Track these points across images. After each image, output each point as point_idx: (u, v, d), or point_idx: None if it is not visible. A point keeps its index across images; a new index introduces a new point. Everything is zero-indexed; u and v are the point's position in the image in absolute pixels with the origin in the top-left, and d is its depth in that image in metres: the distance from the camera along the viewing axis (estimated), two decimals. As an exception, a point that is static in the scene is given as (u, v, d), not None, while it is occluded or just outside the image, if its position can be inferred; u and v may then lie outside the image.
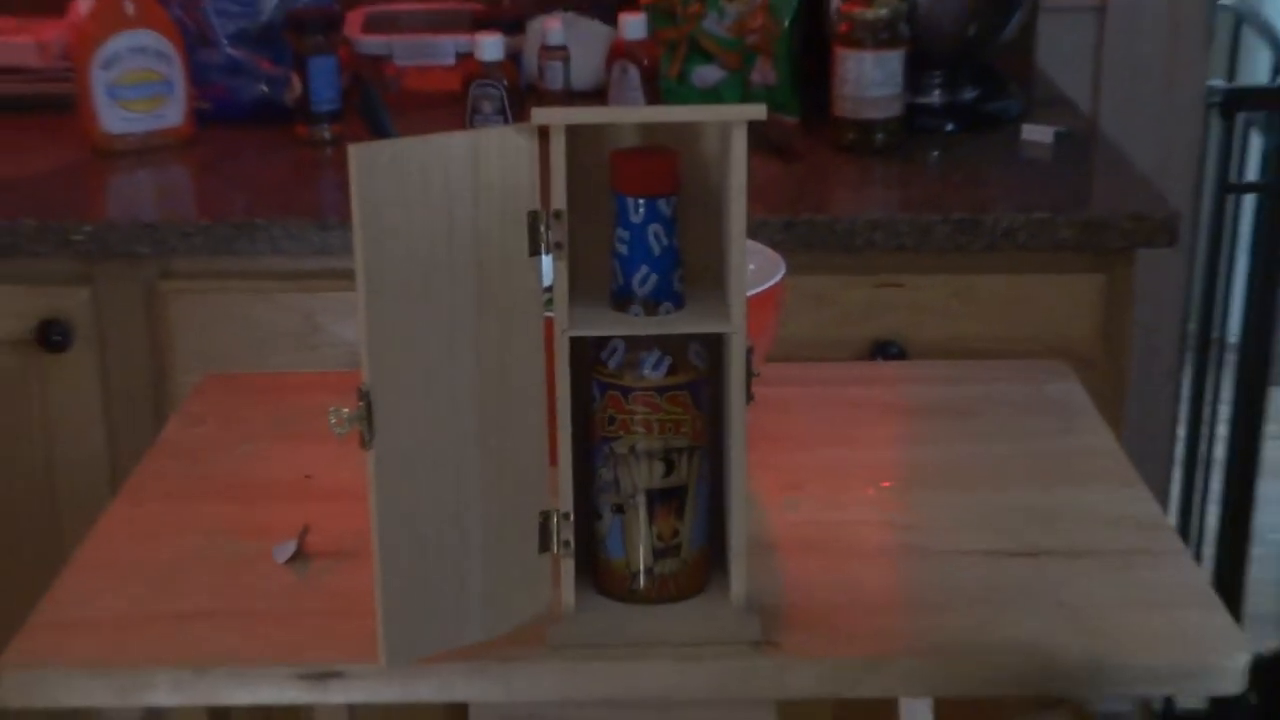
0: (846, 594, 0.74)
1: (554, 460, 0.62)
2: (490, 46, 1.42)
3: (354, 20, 1.68)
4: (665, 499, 0.63)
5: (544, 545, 0.64)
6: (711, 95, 1.57)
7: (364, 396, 0.59)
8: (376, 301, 0.59)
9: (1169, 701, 1.96)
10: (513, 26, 1.58)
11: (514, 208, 0.60)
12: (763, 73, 1.61)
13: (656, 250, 0.61)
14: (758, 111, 0.59)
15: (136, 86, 1.47)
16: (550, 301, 0.62)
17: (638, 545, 0.63)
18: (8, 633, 0.73)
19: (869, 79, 1.43)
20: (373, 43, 1.69)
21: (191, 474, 0.93)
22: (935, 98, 1.57)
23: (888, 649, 0.69)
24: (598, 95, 1.55)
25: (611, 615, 0.64)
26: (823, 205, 1.40)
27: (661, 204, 0.60)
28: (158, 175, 1.51)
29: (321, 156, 1.52)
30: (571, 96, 1.53)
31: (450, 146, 0.60)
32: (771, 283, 0.82)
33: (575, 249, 0.60)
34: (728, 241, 0.59)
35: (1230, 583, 1.75)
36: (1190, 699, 1.96)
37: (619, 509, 0.64)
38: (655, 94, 1.50)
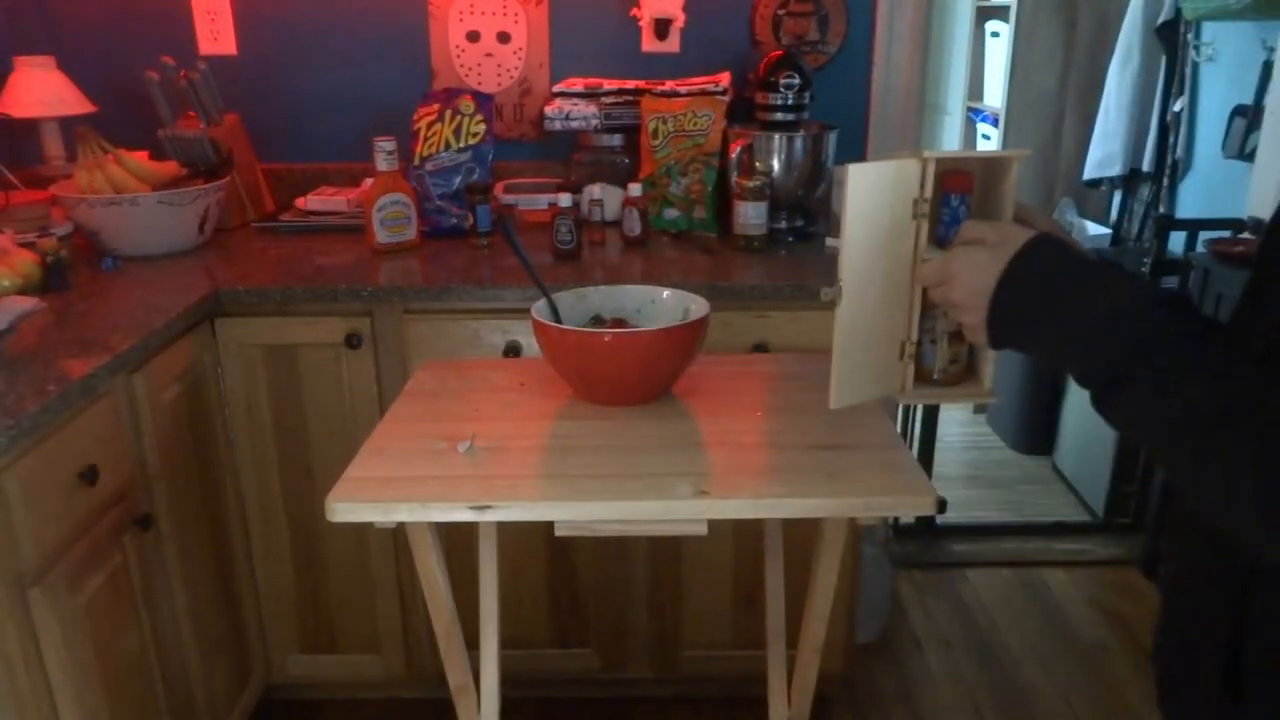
0: (743, 465, 1.08)
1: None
2: (564, 199, 1.97)
3: (499, 186, 2.30)
4: (954, 339, 1.03)
5: (900, 355, 1.03)
6: (671, 224, 2.16)
7: (838, 285, 0.96)
8: (852, 237, 0.95)
9: (896, 520, 2.69)
10: (576, 189, 2.14)
11: (907, 196, 0.96)
12: (699, 212, 2.17)
13: (961, 218, 0.96)
14: (1023, 153, 0.97)
15: (393, 220, 2.03)
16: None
17: (943, 356, 1.04)
18: (327, 488, 1.06)
19: (751, 215, 2.02)
20: (507, 198, 2.29)
21: (417, 409, 1.24)
22: (782, 224, 2.13)
23: (763, 492, 1.02)
24: (617, 224, 2.11)
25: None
26: (727, 277, 1.86)
27: (963, 198, 0.97)
28: (403, 263, 1.97)
29: (481, 255, 2.02)
30: (605, 225, 2.10)
31: (887, 169, 0.94)
32: (704, 314, 1.22)
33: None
34: (1007, 205, 0.94)
35: (924, 460, 2.57)
36: (906, 519, 2.73)
37: (933, 341, 1.05)
38: (645, 222, 2.05)
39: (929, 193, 0.96)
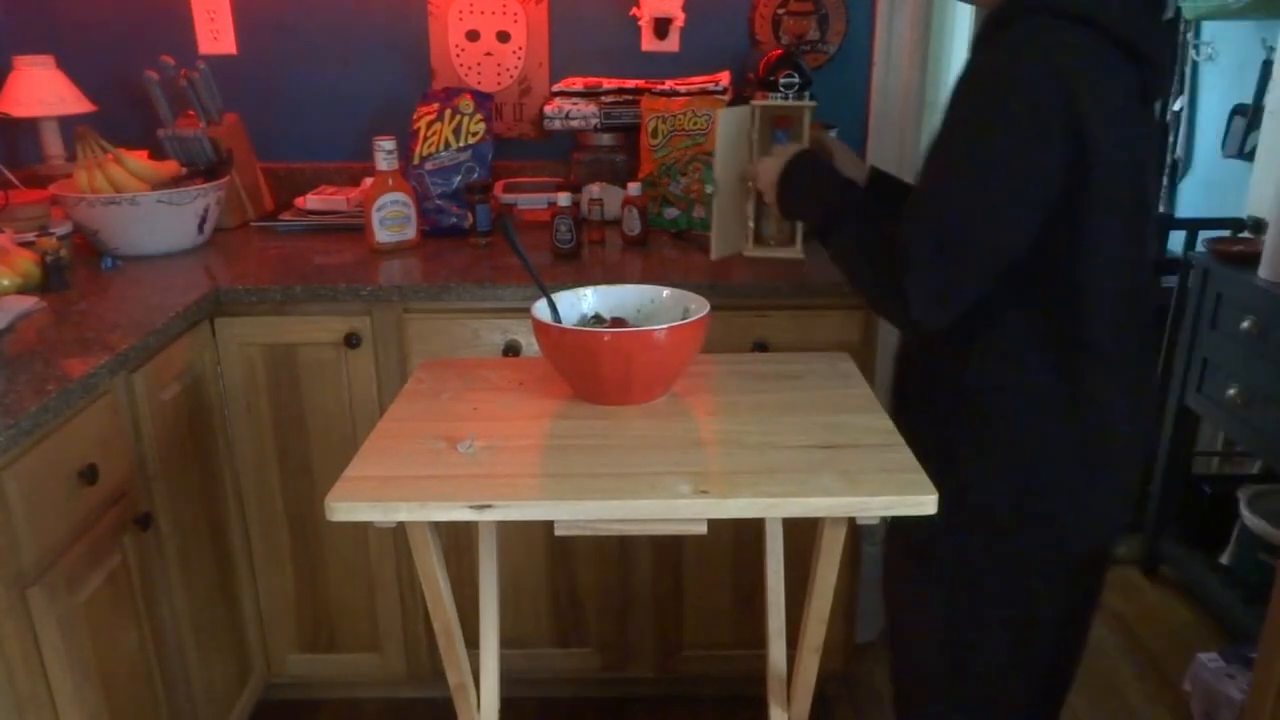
0: (743, 464, 1.07)
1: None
2: (564, 199, 1.96)
3: (499, 186, 2.31)
4: (779, 216, 1.61)
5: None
6: (671, 224, 2.16)
7: (714, 183, 1.67)
8: (720, 156, 1.67)
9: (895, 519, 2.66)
10: (575, 189, 2.14)
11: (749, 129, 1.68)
12: (699, 212, 2.16)
13: (784, 142, 1.60)
14: (811, 105, 1.71)
15: (392, 219, 2.03)
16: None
17: (770, 226, 1.69)
18: (327, 486, 1.05)
19: (750, 214, 1.93)
20: (507, 197, 2.29)
21: (417, 409, 1.24)
22: (782, 223, 2.12)
23: (763, 492, 1.02)
24: (617, 224, 2.10)
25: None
26: (727, 277, 1.86)
27: (785, 131, 1.63)
28: (402, 263, 1.98)
29: (481, 254, 2.01)
30: (604, 224, 2.09)
31: (735, 113, 1.68)
32: (704, 314, 1.22)
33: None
34: (805, 134, 1.63)
35: None
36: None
37: (765, 216, 1.77)
38: (645, 222, 2.04)
39: (757, 128, 1.68)
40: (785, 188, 1.37)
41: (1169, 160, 3.10)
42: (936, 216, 1.12)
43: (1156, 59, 1.15)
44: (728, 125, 1.61)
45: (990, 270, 1.13)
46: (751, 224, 1.74)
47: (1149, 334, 1.27)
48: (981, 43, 1.17)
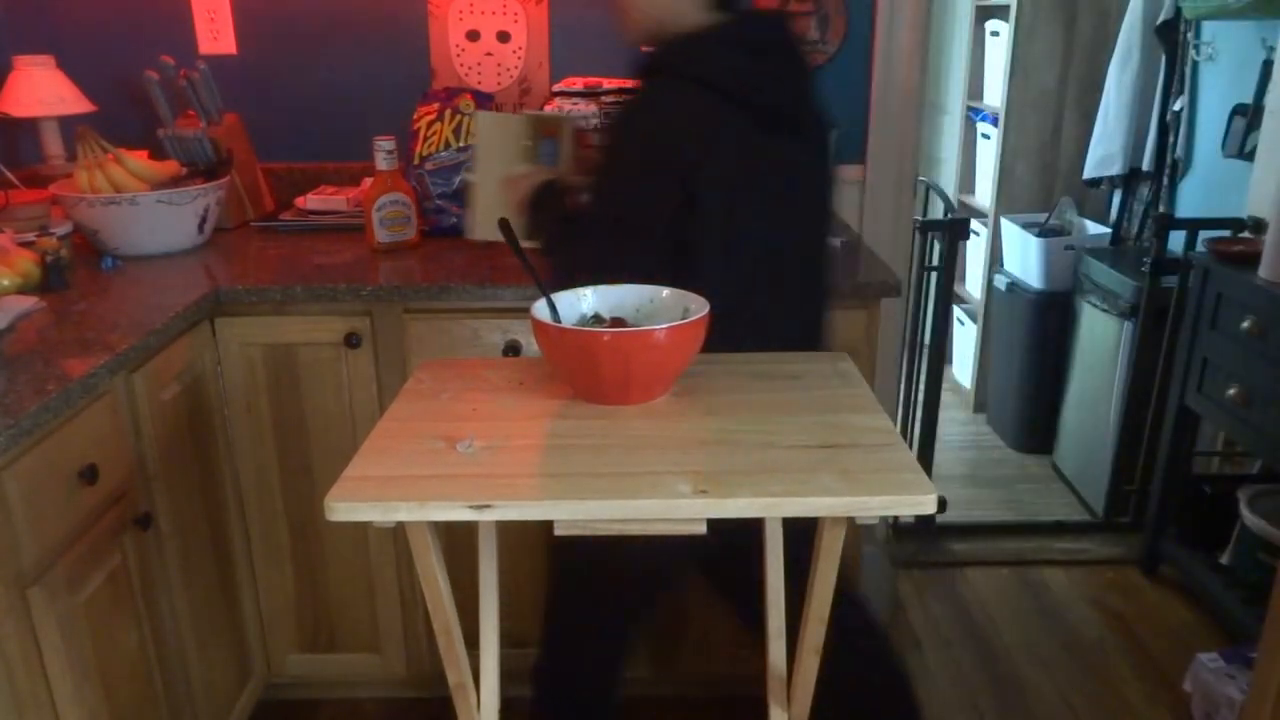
0: (743, 464, 1.06)
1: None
2: None
3: None
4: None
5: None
6: None
7: (473, 176, 1.71)
8: (480, 155, 1.73)
9: (896, 520, 2.70)
10: None
11: (506, 133, 1.72)
12: None
13: (550, 149, 1.69)
14: (568, 116, 1.82)
15: (392, 219, 2.04)
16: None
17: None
18: (327, 486, 1.03)
19: None
20: None
21: (416, 409, 1.22)
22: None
23: (762, 492, 1.00)
24: None
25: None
26: None
27: (551, 139, 1.67)
28: (402, 262, 1.99)
29: (481, 254, 1.99)
30: None
31: (492, 119, 1.79)
32: (703, 313, 1.20)
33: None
34: (566, 145, 1.69)
35: (924, 460, 2.56)
36: (906, 518, 2.74)
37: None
38: None
39: (525, 135, 1.71)
40: (527, 214, 1.58)
41: (1169, 160, 3.09)
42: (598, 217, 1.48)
43: (770, 102, 1.43)
44: (486, 129, 1.73)
45: (633, 247, 1.42)
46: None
47: (780, 289, 1.54)
48: (636, 84, 1.48)
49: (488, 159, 1.71)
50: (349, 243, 2.13)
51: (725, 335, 1.29)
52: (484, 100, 2.20)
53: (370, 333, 1.86)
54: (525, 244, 1.70)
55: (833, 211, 1.73)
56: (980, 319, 3.88)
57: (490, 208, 1.76)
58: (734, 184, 1.42)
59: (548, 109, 2.29)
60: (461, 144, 2.15)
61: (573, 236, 1.48)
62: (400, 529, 1.10)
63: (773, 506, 1.03)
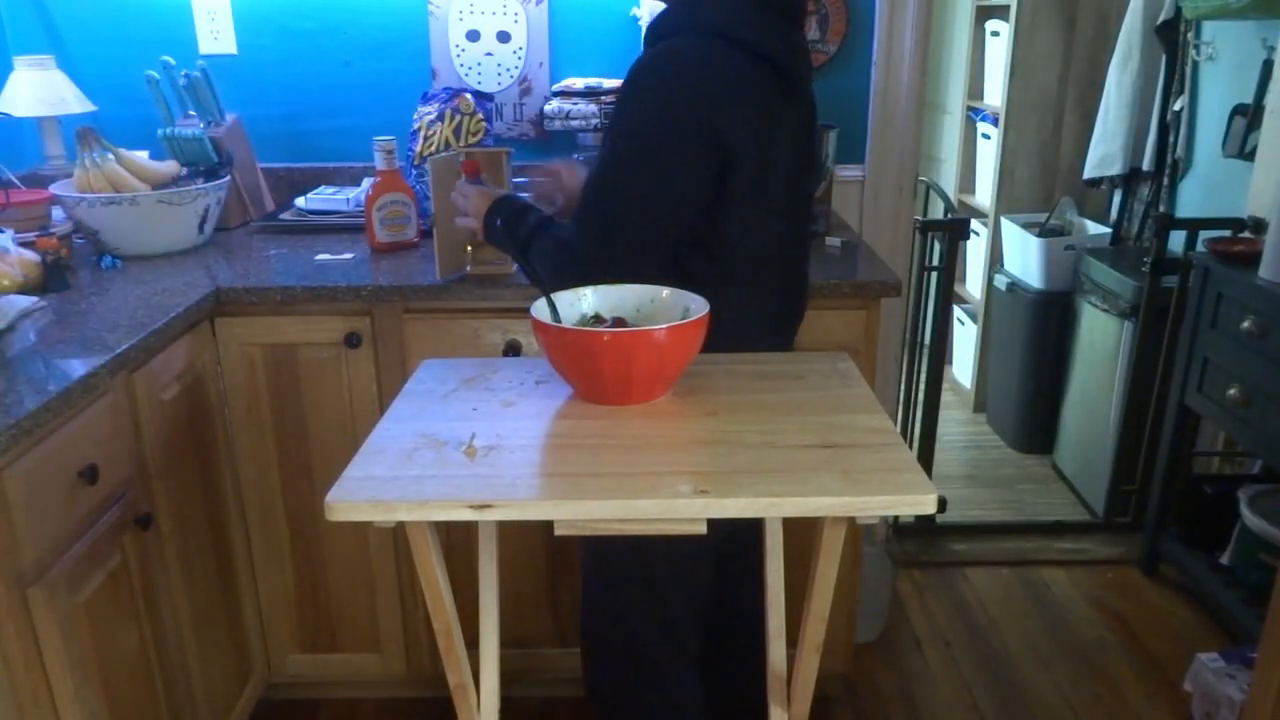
0: (743, 464, 1.07)
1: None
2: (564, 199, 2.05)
3: None
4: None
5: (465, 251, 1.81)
6: None
7: (433, 215, 1.74)
8: (435, 191, 1.72)
9: (896, 520, 2.70)
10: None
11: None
12: None
13: (482, 182, 1.64)
14: (507, 151, 1.81)
15: (393, 219, 2.04)
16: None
17: (486, 254, 1.77)
18: (327, 486, 1.04)
19: None
20: None
21: (417, 409, 1.24)
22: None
23: (762, 492, 1.01)
24: None
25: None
26: None
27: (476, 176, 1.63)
28: (402, 261, 1.98)
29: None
30: None
31: (444, 162, 1.77)
32: (703, 314, 1.22)
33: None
34: (505, 177, 1.74)
35: (924, 459, 2.56)
36: (906, 518, 2.76)
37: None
38: None
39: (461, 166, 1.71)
40: (490, 222, 1.55)
41: (1169, 160, 3.09)
42: (595, 219, 1.38)
43: (790, 69, 1.38)
44: (439, 172, 1.74)
45: (641, 252, 1.37)
46: (469, 249, 1.83)
47: (778, 272, 1.54)
48: (645, 52, 1.37)
49: (443, 200, 1.73)
50: (349, 243, 2.13)
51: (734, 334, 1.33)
52: (484, 101, 2.19)
53: (370, 333, 1.86)
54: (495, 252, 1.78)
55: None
56: (980, 319, 3.88)
57: (450, 246, 1.79)
58: (761, 141, 1.37)
59: (548, 108, 2.29)
60: (462, 144, 2.14)
61: (559, 246, 1.43)
62: (400, 529, 1.10)
63: (773, 506, 1.03)
